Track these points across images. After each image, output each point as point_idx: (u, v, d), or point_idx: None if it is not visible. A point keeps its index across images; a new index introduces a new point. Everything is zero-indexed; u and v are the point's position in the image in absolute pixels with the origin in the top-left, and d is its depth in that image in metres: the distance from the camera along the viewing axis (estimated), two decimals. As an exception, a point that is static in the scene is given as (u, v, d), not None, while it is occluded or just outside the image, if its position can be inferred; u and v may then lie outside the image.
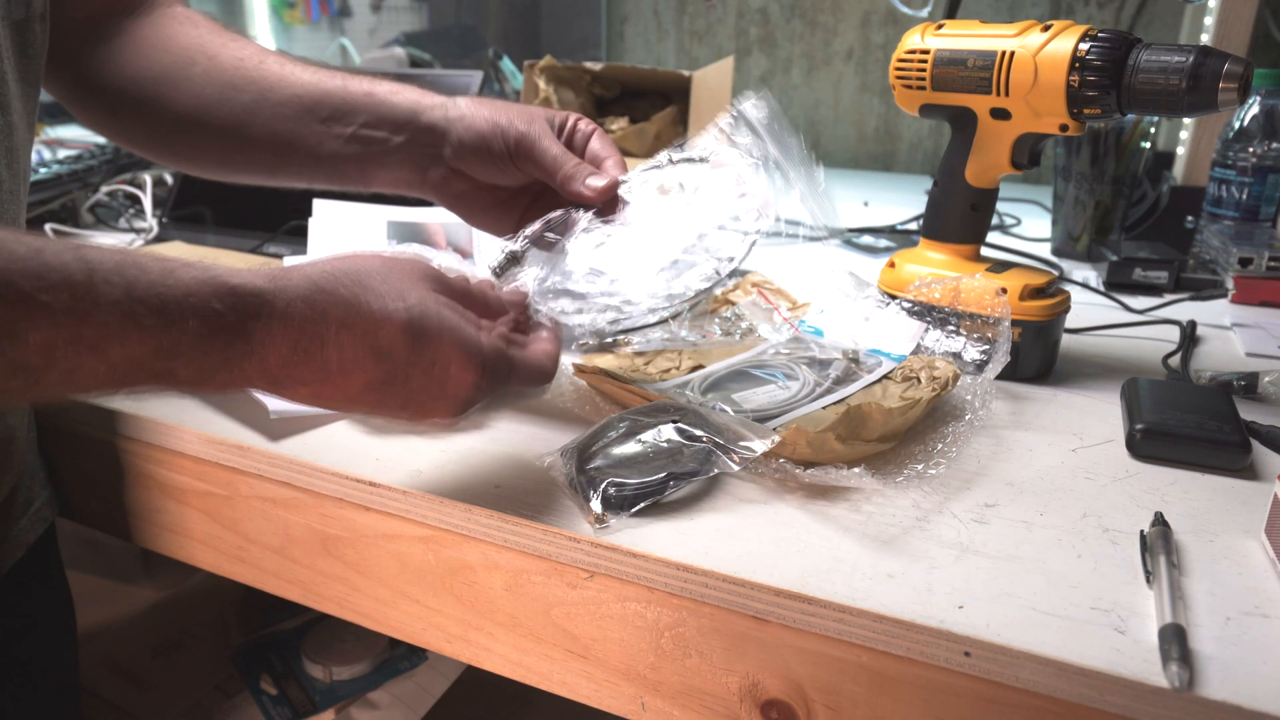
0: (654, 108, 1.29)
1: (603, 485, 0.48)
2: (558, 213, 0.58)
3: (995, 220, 1.16)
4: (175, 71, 0.61)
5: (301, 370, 0.41)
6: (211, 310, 0.38)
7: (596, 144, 0.59)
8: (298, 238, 0.87)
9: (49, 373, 0.35)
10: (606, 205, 0.57)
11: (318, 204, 0.85)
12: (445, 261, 0.71)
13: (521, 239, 0.57)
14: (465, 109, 0.58)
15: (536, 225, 0.57)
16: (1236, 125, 0.98)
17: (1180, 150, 1.23)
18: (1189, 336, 0.76)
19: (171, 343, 0.37)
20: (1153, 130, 1.01)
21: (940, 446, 0.53)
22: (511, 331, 0.50)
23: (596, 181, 0.56)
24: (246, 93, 0.60)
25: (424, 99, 0.59)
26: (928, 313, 0.66)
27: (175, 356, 0.37)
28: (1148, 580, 0.42)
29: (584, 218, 0.57)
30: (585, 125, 0.60)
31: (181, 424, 0.58)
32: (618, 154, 0.60)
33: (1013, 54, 0.61)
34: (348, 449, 0.55)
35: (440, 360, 0.43)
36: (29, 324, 0.33)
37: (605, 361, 0.63)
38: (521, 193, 0.61)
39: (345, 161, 0.60)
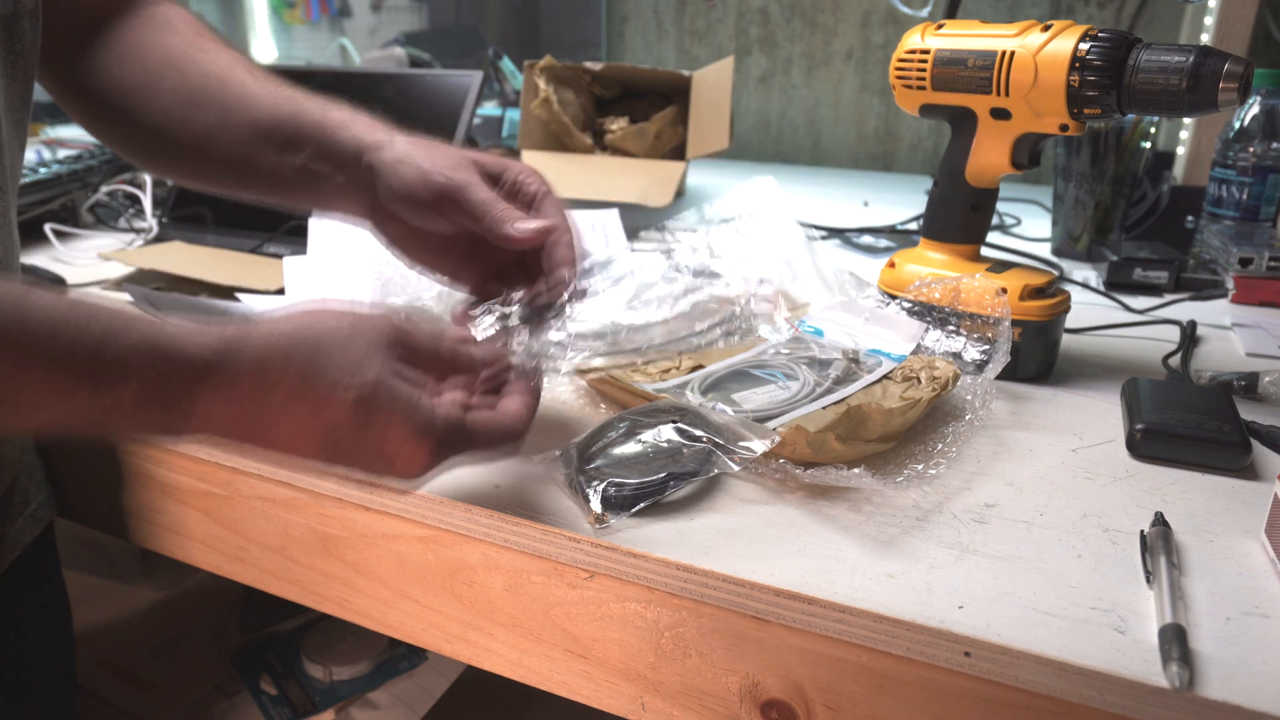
0: (654, 108, 1.29)
1: (603, 485, 0.48)
2: (519, 298, 0.55)
3: (995, 220, 1.16)
4: (146, 85, 0.61)
5: (247, 433, 0.40)
6: (148, 379, 0.37)
7: (547, 206, 0.55)
8: (298, 237, 0.87)
9: None
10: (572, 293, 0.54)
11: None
12: (420, 298, 0.70)
13: (514, 308, 0.54)
14: (400, 153, 0.55)
15: (515, 303, 0.54)
16: (1236, 125, 0.98)
17: (1180, 150, 1.23)
18: (1189, 336, 0.76)
19: (105, 408, 0.37)
20: (1153, 130, 1.01)
21: (940, 446, 0.53)
22: (483, 392, 0.48)
23: (525, 225, 0.52)
24: (209, 113, 0.59)
25: (368, 136, 0.56)
26: (928, 313, 0.66)
27: (110, 417, 0.37)
28: (1148, 580, 0.42)
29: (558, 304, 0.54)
30: (529, 180, 0.56)
31: (181, 424, 0.58)
32: (560, 207, 0.55)
33: (1013, 54, 0.61)
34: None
35: (390, 440, 0.41)
36: None
37: (606, 362, 0.63)
38: (456, 240, 0.57)
39: (297, 189, 0.59)
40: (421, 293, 0.71)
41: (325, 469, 0.43)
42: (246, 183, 0.61)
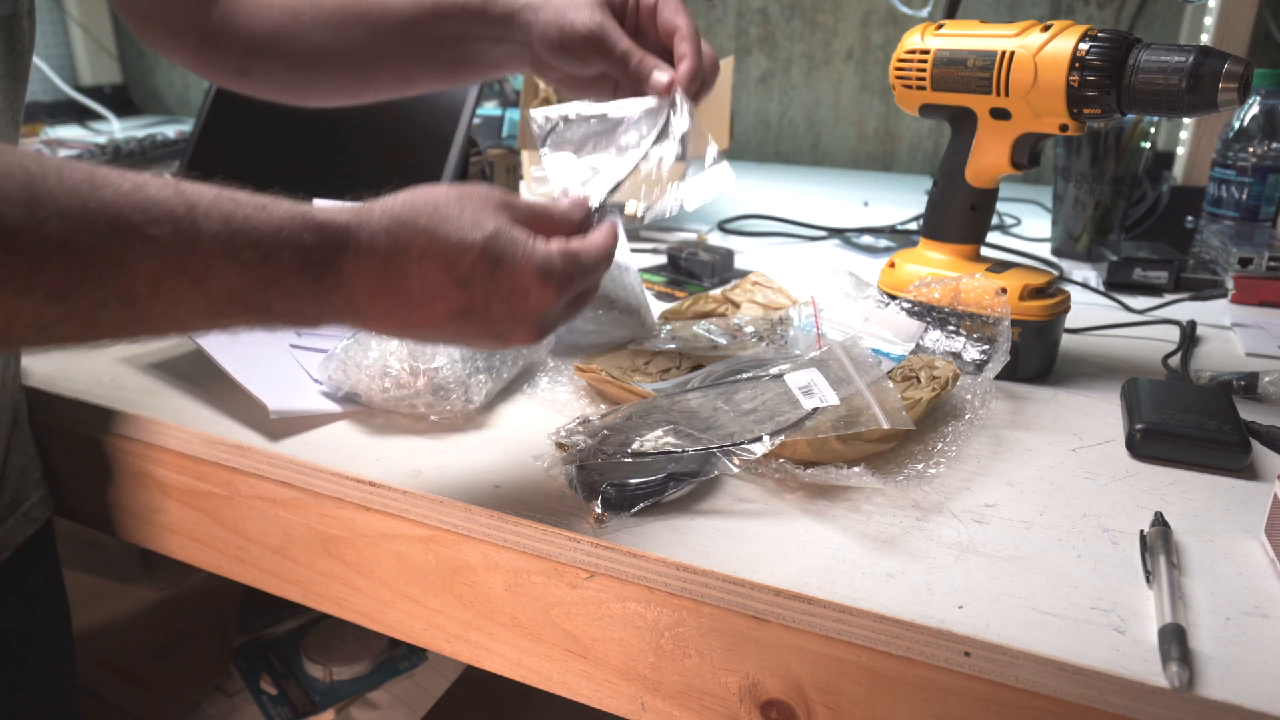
0: (654, 108, 1.29)
1: (603, 485, 0.48)
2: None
3: (995, 220, 1.17)
4: (288, 24, 0.66)
5: (387, 302, 0.42)
6: (303, 244, 0.39)
7: (664, 15, 0.63)
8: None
9: (154, 303, 0.36)
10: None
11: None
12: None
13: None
14: (541, 12, 0.62)
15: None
16: (1236, 125, 0.98)
17: (1180, 150, 1.23)
18: (1189, 336, 0.76)
19: (269, 275, 0.38)
20: (1153, 130, 1.01)
21: (940, 446, 0.53)
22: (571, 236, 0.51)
23: (660, 80, 0.60)
24: (357, 29, 0.65)
25: (514, 0, 0.63)
26: (928, 313, 0.66)
27: (271, 289, 0.39)
28: (1148, 580, 0.42)
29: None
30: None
31: (181, 424, 0.58)
32: (687, 21, 0.63)
33: (1013, 54, 0.61)
34: (348, 449, 0.55)
35: (519, 286, 0.44)
36: (138, 256, 0.35)
37: (606, 361, 0.63)
38: (606, 76, 0.65)
39: (461, 65, 0.66)
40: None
41: (456, 339, 0.45)
42: (413, 78, 0.68)
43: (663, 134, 0.59)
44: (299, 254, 0.39)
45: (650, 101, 0.60)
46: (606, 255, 0.49)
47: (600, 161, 0.59)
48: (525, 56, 0.64)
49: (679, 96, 0.60)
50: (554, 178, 0.59)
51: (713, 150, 0.60)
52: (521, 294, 0.44)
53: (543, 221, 0.49)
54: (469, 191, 0.46)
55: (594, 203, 0.52)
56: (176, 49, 0.69)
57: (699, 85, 0.62)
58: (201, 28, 0.67)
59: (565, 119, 0.61)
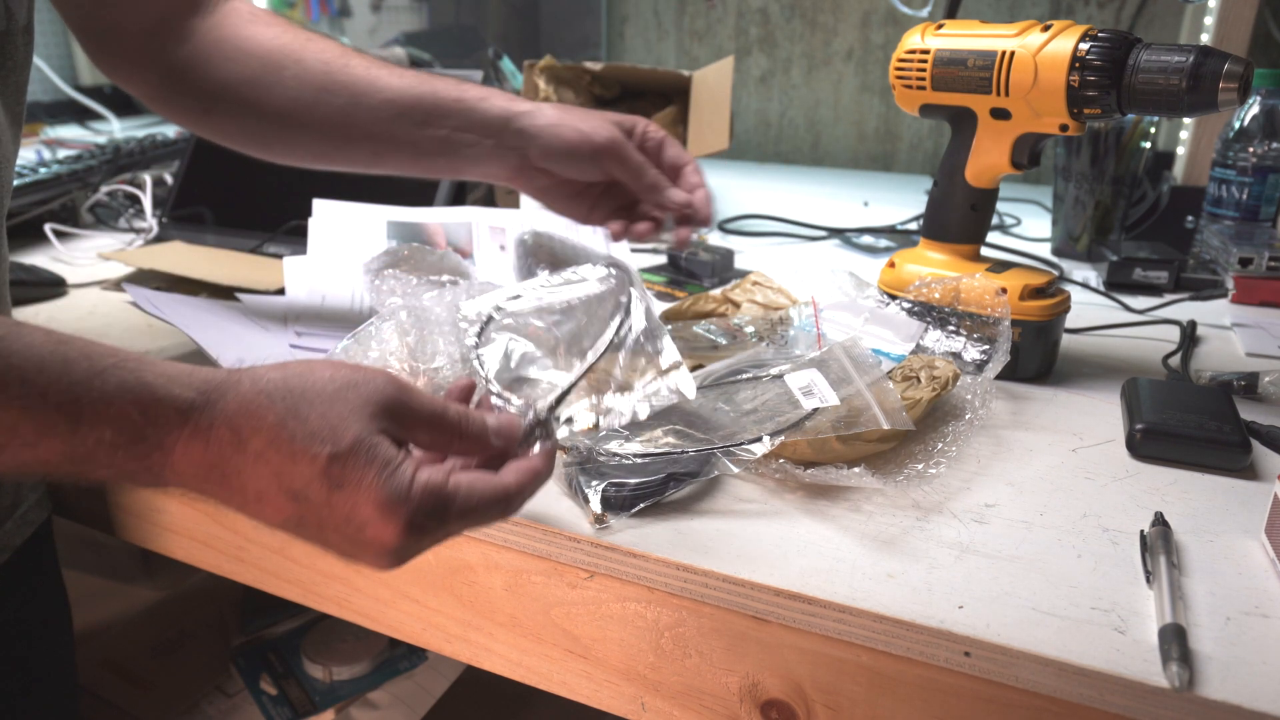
0: (654, 108, 1.29)
1: (602, 485, 0.48)
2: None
3: (995, 220, 1.16)
4: (265, 76, 0.64)
5: (219, 489, 0.38)
6: (129, 420, 0.36)
7: (671, 151, 0.67)
8: (298, 238, 0.87)
9: None
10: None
11: (318, 204, 0.85)
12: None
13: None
14: (552, 118, 0.64)
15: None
16: (1236, 125, 0.98)
17: (1180, 150, 1.23)
18: (1189, 336, 0.76)
19: (85, 451, 0.36)
20: (1153, 130, 1.01)
21: (941, 446, 0.53)
22: (481, 465, 0.43)
23: (677, 197, 0.64)
24: (340, 96, 0.64)
25: (512, 105, 0.64)
26: (928, 313, 0.66)
27: (87, 462, 0.36)
28: (1148, 580, 0.42)
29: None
30: (655, 132, 0.67)
31: (181, 424, 0.58)
32: (692, 159, 0.67)
33: (1013, 54, 0.61)
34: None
35: (355, 515, 0.37)
36: None
37: (605, 361, 0.63)
38: (593, 185, 0.68)
39: (438, 158, 0.65)
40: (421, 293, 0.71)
41: (303, 540, 0.39)
42: (385, 157, 0.66)
43: (620, 328, 0.51)
44: (123, 431, 0.36)
45: (595, 286, 0.54)
46: (499, 499, 0.40)
47: (546, 348, 0.52)
48: (508, 161, 0.65)
49: (634, 293, 0.53)
50: (491, 374, 0.51)
51: (670, 352, 0.51)
52: (359, 525, 0.37)
53: (444, 436, 0.41)
54: (354, 381, 0.39)
55: (538, 414, 0.44)
56: (134, 80, 0.66)
57: (705, 218, 0.66)
58: (164, 62, 0.64)
59: (498, 309, 0.54)
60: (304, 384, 0.38)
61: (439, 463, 0.41)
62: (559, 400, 0.46)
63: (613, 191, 0.68)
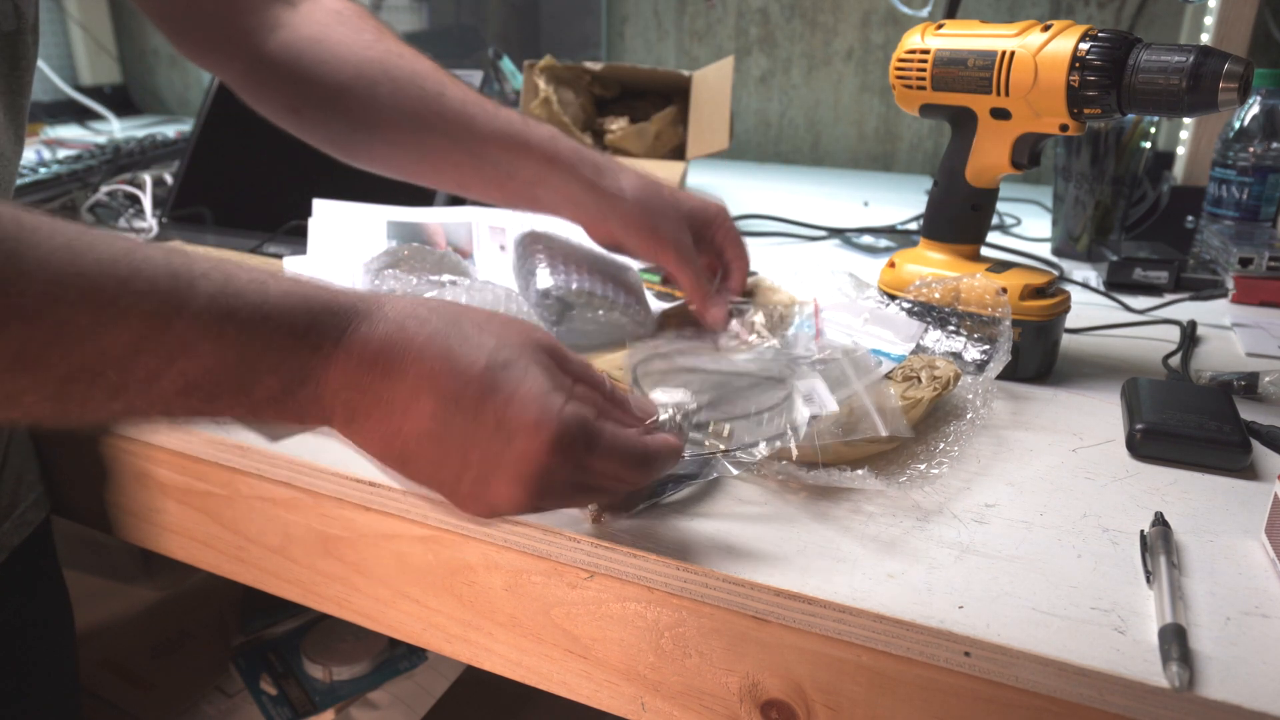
0: (654, 108, 1.29)
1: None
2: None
3: (995, 220, 1.16)
4: (359, 87, 0.64)
5: (372, 399, 0.38)
6: (296, 322, 0.37)
7: (730, 250, 0.69)
8: (298, 238, 0.87)
9: (129, 379, 0.34)
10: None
11: (318, 204, 0.85)
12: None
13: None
14: (629, 194, 0.64)
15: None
16: (1236, 125, 0.98)
17: (1180, 150, 1.23)
18: (1189, 336, 0.76)
19: (253, 356, 0.36)
20: (1153, 130, 1.01)
21: (942, 446, 0.53)
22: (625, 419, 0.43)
23: (718, 316, 0.66)
24: (434, 127, 0.64)
25: (600, 179, 0.64)
26: (928, 313, 0.66)
27: (255, 369, 0.36)
28: (1148, 580, 0.42)
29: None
30: (726, 225, 0.69)
31: (181, 424, 0.58)
32: (745, 257, 0.70)
33: (1013, 54, 0.61)
34: (348, 449, 0.55)
35: (506, 423, 0.37)
36: (109, 326, 0.33)
37: (604, 362, 0.63)
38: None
39: (518, 197, 0.67)
40: (421, 294, 0.72)
41: (431, 472, 0.39)
42: (470, 189, 0.68)
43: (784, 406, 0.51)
44: (291, 333, 0.36)
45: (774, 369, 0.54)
46: (642, 460, 0.41)
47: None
48: (582, 214, 0.66)
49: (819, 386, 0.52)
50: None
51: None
52: (509, 434, 0.37)
53: (593, 390, 0.42)
54: (513, 319, 0.41)
55: (681, 409, 0.44)
56: (221, 65, 0.66)
57: (736, 289, 0.69)
58: (252, 51, 0.64)
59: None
60: (460, 308, 0.40)
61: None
62: (703, 405, 0.48)
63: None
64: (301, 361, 0.37)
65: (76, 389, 0.33)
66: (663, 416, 0.44)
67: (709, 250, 0.69)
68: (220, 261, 0.36)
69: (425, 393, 0.37)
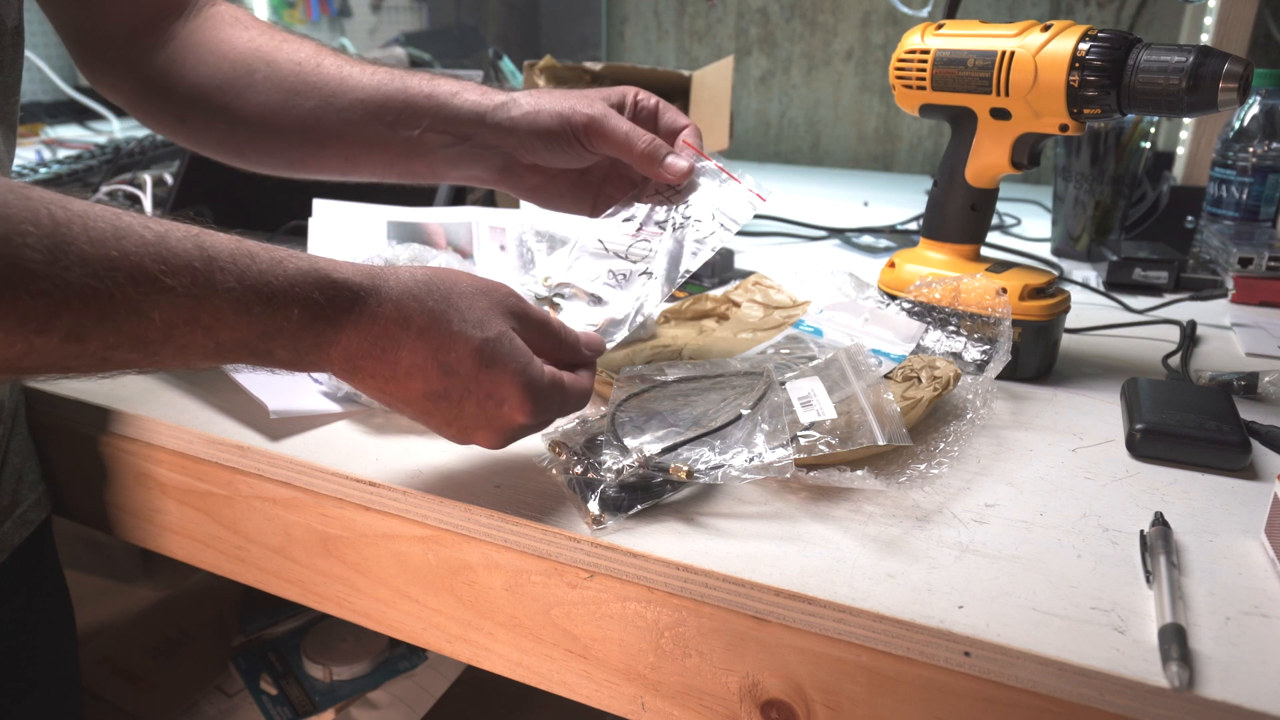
0: (654, 108, 1.29)
1: (601, 486, 0.48)
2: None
3: (995, 220, 1.16)
4: (237, 79, 0.62)
5: (375, 364, 0.44)
6: (313, 300, 0.42)
7: (668, 116, 0.62)
8: (298, 238, 0.87)
9: (164, 347, 0.39)
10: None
11: (318, 204, 0.85)
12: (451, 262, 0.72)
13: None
14: (528, 105, 0.59)
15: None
16: (1236, 125, 0.98)
17: (1180, 150, 1.23)
18: (1189, 336, 0.76)
19: (275, 328, 0.41)
20: (1153, 130, 1.01)
21: (943, 446, 0.53)
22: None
23: (677, 166, 0.59)
24: (310, 99, 0.61)
25: (484, 99, 0.60)
26: (928, 313, 0.66)
27: (275, 339, 0.41)
28: (1148, 580, 0.42)
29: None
30: (646, 99, 0.62)
31: (181, 424, 0.58)
32: (692, 123, 0.62)
33: (1013, 54, 0.61)
34: (348, 449, 0.55)
35: (498, 393, 0.45)
36: (153, 304, 0.37)
37: (605, 362, 0.63)
38: (592, 172, 0.64)
39: (414, 160, 0.62)
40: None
41: (422, 418, 0.46)
42: (359, 162, 0.63)
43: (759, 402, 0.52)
44: (307, 310, 0.42)
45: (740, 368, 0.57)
46: (584, 398, 0.50)
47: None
48: (490, 162, 0.61)
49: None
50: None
51: None
52: (498, 402, 0.45)
53: (549, 340, 0.49)
54: (488, 288, 0.47)
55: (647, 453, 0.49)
56: (115, 88, 0.65)
57: (692, 138, 0.61)
58: (143, 68, 0.63)
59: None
60: (448, 284, 0.46)
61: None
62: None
63: (615, 176, 0.64)
64: (313, 334, 0.42)
65: (117, 355, 0.38)
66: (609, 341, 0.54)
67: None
68: (241, 242, 0.41)
69: (428, 364, 0.44)
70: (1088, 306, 0.85)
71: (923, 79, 0.66)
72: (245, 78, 0.62)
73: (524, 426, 0.47)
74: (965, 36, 0.64)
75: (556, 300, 0.58)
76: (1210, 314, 0.84)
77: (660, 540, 0.46)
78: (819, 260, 1.03)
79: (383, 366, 0.44)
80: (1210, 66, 0.55)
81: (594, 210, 0.64)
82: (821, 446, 0.48)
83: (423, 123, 0.60)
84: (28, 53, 0.64)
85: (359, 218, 0.84)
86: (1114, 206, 1.01)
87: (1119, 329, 0.79)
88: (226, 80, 0.62)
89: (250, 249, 0.41)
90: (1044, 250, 1.07)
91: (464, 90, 0.60)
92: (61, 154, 1.28)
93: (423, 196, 0.93)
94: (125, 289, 0.36)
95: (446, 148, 0.61)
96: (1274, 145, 0.96)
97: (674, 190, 0.60)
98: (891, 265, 0.72)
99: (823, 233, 1.15)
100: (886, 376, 0.59)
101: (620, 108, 0.61)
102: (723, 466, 0.48)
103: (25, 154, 1.36)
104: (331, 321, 0.42)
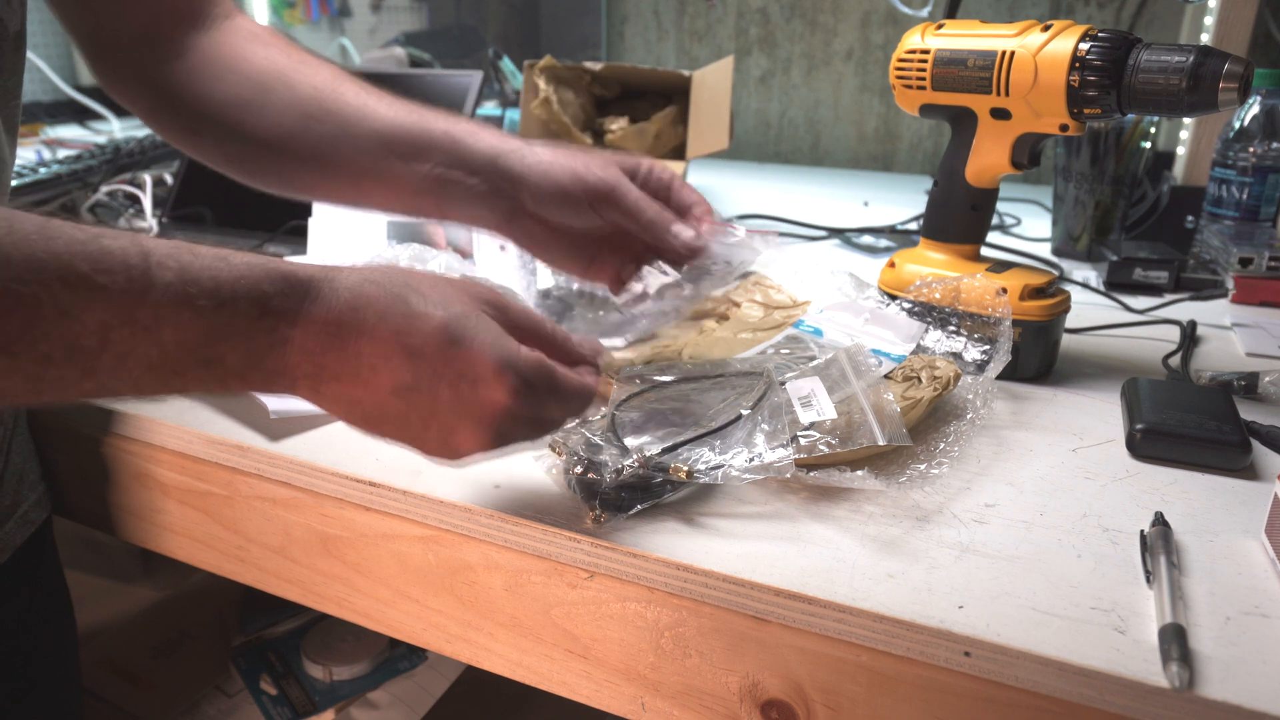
0: (654, 108, 1.29)
1: (601, 486, 0.48)
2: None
3: (995, 220, 1.16)
4: (254, 98, 0.61)
5: (336, 360, 0.41)
6: (262, 292, 0.39)
7: (682, 192, 0.60)
8: (298, 238, 0.87)
9: (102, 356, 0.36)
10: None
11: (318, 204, 0.85)
12: (456, 266, 0.72)
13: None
14: (544, 157, 0.58)
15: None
16: (1236, 125, 0.98)
17: (1180, 150, 1.23)
18: (1189, 336, 0.76)
19: (224, 325, 0.38)
20: (1153, 130, 1.01)
21: (943, 446, 0.53)
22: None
23: (683, 235, 0.58)
24: (326, 124, 0.60)
25: (502, 144, 0.59)
26: (928, 313, 0.66)
27: (226, 340, 0.38)
28: (1148, 580, 0.42)
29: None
30: (661, 170, 0.61)
31: (181, 424, 0.58)
32: (702, 199, 0.60)
33: (1013, 54, 0.61)
34: (348, 449, 0.55)
35: (470, 372, 0.41)
36: (85, 305, 0.35)
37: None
38: (593, 237, 0.61)
39: (423, 197, 0.60)
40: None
41: (399, 423, 0.43)
42: (369, 192, 0.62)
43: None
44: (257, 303, 0.39)
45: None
46: (584, 395, 0.46)
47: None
48: (497, 206, 0.59)
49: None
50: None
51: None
52: (472, 382, 0.41)
53: (535, 335, 0.46)
54: (454, 279, 0.45)
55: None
56: (124, 92, 0.64)
57: (704, 214, 0.60)
58: (157, 77, 0.62)
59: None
60: (407, 272, 0.43)
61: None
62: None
63: (616, 242, 0.61)
64: (266, 332, 0.39)
65: (51, 369, 0.35)
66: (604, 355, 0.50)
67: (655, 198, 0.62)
68: (182, 243, 0.39)
69: (391, 351, 0.41)
70: (1088, 306, 0.85)
71: (923, 79, 0.66)
72: (262, 96, 0.61)
73: (509, 412, 0.42)
74: (965, 36, 0.64)
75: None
76: (1210, 314, 0.84)
77: (660, 540, 0.46)
78: (819, 260, 1.03)
79: (345, 361, 0.41)
80: (1210, 66, 0.55)
81: (586, 273, 0.63)
82: (821, 446, 0.48)
83: (436, 158, 0.59)
84: (28, 53, 0.64)
85: (359, 218, 0.84)
86: (1114, 206, 1.01)
87: (1119, 329, 0.79)
88: (243, 98, 0.61)
89: (192, 247, 0.39)
90: (1044, 250, 1.07)
91: (481, 130, 0.60)
92: (61, 154, 1.28)
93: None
94: (53, 289, 0.34)
95: (458, 185, 0.60)
96: (1274, 145, 0.96)
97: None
98: (891, 265, 0.72)
99: (823, 233, 1.15)
100: (886, 376, 0.59)
101: (632, 175, 0.60)
102: (723, 467, 0.47)
103: (25, 154, 1.36)
104: (284, 315, 0.39)
